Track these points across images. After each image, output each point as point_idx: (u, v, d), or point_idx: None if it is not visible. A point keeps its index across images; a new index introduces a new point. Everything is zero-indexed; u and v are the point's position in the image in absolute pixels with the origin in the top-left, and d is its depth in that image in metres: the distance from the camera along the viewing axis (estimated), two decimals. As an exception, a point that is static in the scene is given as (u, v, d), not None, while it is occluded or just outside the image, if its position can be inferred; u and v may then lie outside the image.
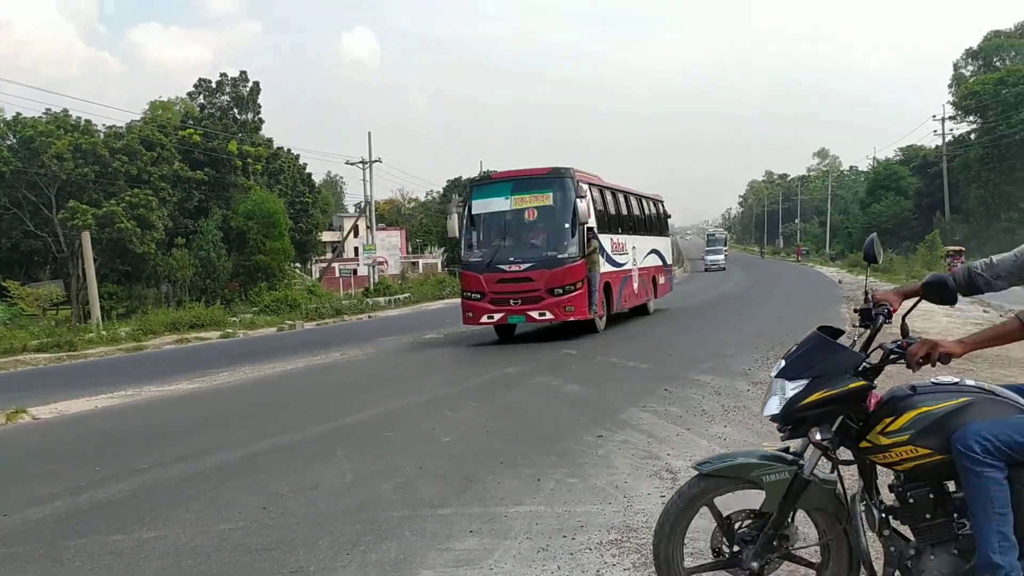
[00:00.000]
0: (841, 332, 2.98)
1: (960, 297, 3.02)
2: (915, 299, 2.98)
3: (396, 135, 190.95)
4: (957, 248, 34.98)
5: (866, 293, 3.02)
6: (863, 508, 2.89)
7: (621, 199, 18.52)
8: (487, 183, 15.76)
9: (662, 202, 23.02)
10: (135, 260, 38.35)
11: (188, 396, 11.02)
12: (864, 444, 2.82)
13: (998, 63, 57.01)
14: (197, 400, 10.69)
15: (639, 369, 10.72)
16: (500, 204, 15.15)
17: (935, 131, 51.95)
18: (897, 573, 2.84)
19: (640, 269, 18.93)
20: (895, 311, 2.92)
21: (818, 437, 2.82)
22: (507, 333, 15.99)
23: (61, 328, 24.32)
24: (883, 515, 2.85)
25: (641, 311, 19.45)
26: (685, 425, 6.89)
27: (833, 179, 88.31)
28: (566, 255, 14.56)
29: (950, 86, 59.00)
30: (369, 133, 44.86)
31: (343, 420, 8.33)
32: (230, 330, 23.01)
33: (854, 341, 2.92)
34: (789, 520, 2.98)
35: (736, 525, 3.01)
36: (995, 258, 3.02)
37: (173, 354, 18.25)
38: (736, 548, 2.99)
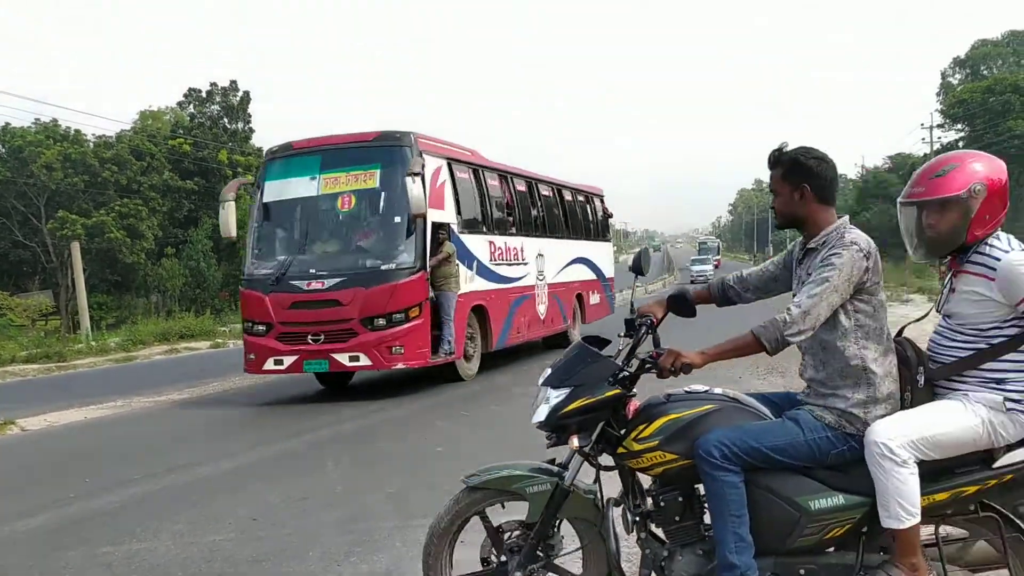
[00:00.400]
0: (607, 342, 3.08)
1: (717, 307, 3.24)
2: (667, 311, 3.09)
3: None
4: None
5: (631, 304, 3.12)
6: (619, 512, 3.01)
7: (516, 185, 13.03)
8: (285, 155, 10.70)
9: (599, 196, 17.22)
10: (125, 270, 38.20)
11: (178, 406, 10.97)
12: (621, 450, 2.94)
13: (985, 72, 57.66)
14: (187, 410, 10.64)
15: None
16: (303, 187, 10.37)
17: (923, 139, 52.30)
18: (652, 574, 2.94)
19: (552, 285, 13.66)
20: (657, 323, 3.02)
21: (577, 443, 2.93)
22: (336, 380, 11.21)
23: (50, 339, 24.14)
24: (637, 518, 2.96)
25: (560, 342, 13.91)
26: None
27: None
28: (394, 265, 9.75)
29: (938, 94, 59.59)
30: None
31: (334, 430, 8.32)
32: (220, 340, 22.91)
33: (619, 351, 3.01)
34: (554, 530, 3.07)
35: (506, 535, 3.09)
36: (745, 272, 3.24)
37: (163, 364, 18.16)
38: (503, 558, 3.06)
